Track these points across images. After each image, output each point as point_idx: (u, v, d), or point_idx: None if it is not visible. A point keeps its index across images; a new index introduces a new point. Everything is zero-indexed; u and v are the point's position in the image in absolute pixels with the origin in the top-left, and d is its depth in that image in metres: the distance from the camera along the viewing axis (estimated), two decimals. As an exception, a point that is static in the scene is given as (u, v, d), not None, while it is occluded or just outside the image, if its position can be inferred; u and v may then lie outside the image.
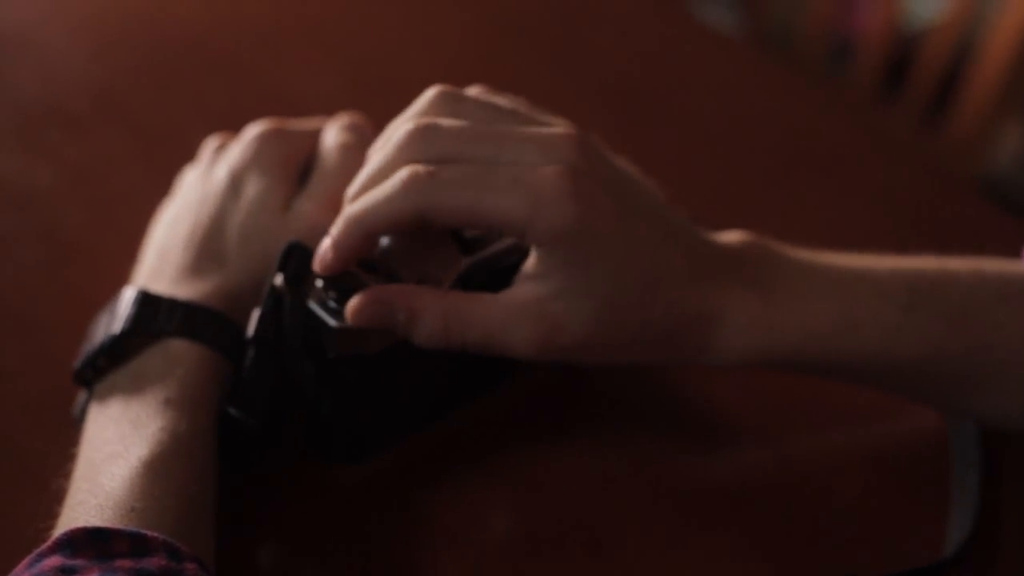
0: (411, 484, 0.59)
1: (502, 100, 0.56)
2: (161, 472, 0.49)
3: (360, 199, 0.52)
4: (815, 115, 0.91)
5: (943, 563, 0.57)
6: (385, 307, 0.52)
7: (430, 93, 0.55)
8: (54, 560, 0.43)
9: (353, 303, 0.52)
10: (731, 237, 0.59)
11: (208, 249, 0.59)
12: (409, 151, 0.52)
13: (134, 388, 0.53)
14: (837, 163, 0.86)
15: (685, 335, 0.56)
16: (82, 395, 0.56)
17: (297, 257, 0.54)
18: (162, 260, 0.60)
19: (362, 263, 0.54)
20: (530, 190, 0.51)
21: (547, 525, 0.58)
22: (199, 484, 0.51)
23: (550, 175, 0.51)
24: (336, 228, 0.52)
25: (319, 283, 0.54)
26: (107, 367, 0.55)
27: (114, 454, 0.50)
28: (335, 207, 0.59)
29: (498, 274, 0.56)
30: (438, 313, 0.52)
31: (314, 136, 0.64)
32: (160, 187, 0.67)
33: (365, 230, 0.52)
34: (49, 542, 0.45)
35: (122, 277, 0.62)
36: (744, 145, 0.87)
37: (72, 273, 0.68)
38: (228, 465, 0.56)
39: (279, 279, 0.54)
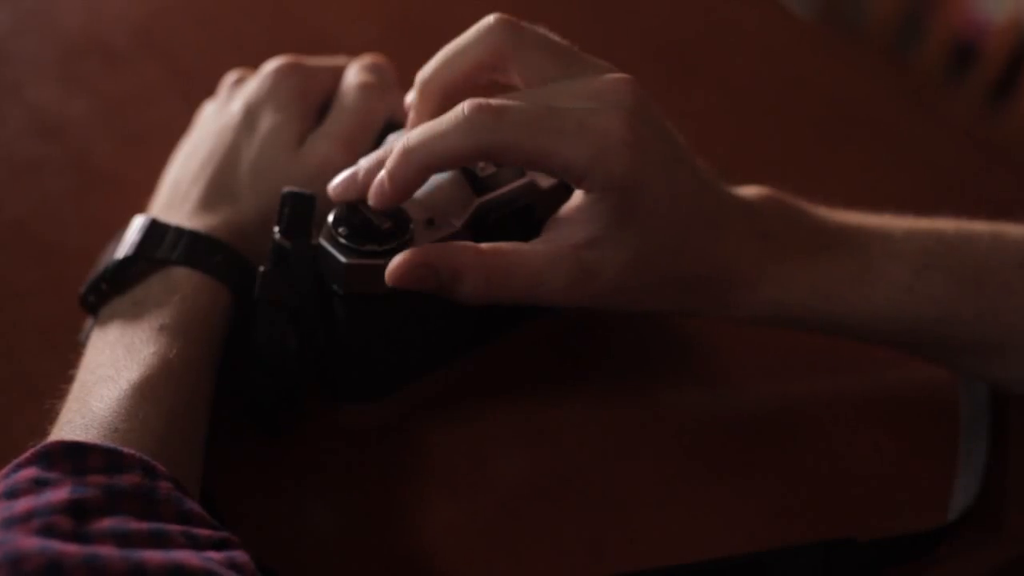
0: (417, 427, 0.59)
1: (555, 36, 0.55)
2: (148, 395, 0.49)
3: (418, 130, 0.50)
4: (872, 89, 0.89)
5: (945, 528, 0.57)
6: (428, 269, 0.51)
7: (488, 21, 0.53)
8: (30, 471, 0.44)
9: (394, 265, 0.51)
10: (750, 191, 0.59)
11: (220, 183, 0.59)
12: (476, 134, 0.50)
13: (133, 314, 0.53)
14: (892, 139, 0.84)
15: (704, 286, 0.56)
16: (90, 320, 0.57)
17: (292, 204, 0.53)
18: (175, 192, 0.60)
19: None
20: (595, 136, 0.50)
21: (553, 473, 0.58)
22: (186, 410, 0.51)
23: (615, 121, 0.50)
24: (392, 160, 0.51)
25: (329, 219, 0.54)
26: (110, 292, 0.55)
27: (105, 377, 0.50)
28: (350, 146, 0.59)
29: (510, 216, 0.56)
30: (480, 271, 0.51)
31: (334, 73, 0.64)
32: (191, 122, 0.67)
33: (423, 164, 0.50)
34: (27, 453, 0.45)
35: (145, 207, 0.63)
36: (795, 115, 0.85)
37: (97, 202, 0.69)
38: (257, 428, 0.56)
39: (276, 232, 0.54)
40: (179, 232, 0.55)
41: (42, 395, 0.53)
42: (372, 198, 0.52)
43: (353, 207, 0.53)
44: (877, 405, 0.63)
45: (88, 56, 0.79)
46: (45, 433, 0.50)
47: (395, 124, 0.61)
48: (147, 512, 0.43)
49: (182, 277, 0.54)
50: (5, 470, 0.45)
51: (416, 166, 0.50)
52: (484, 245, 0.52)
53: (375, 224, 0.53)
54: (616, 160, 0.50)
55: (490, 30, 0.53)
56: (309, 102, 0.62)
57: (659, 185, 0.52)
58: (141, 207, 0.63)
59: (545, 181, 0.57)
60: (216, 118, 0.62)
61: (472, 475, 0.58)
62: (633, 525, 0.57)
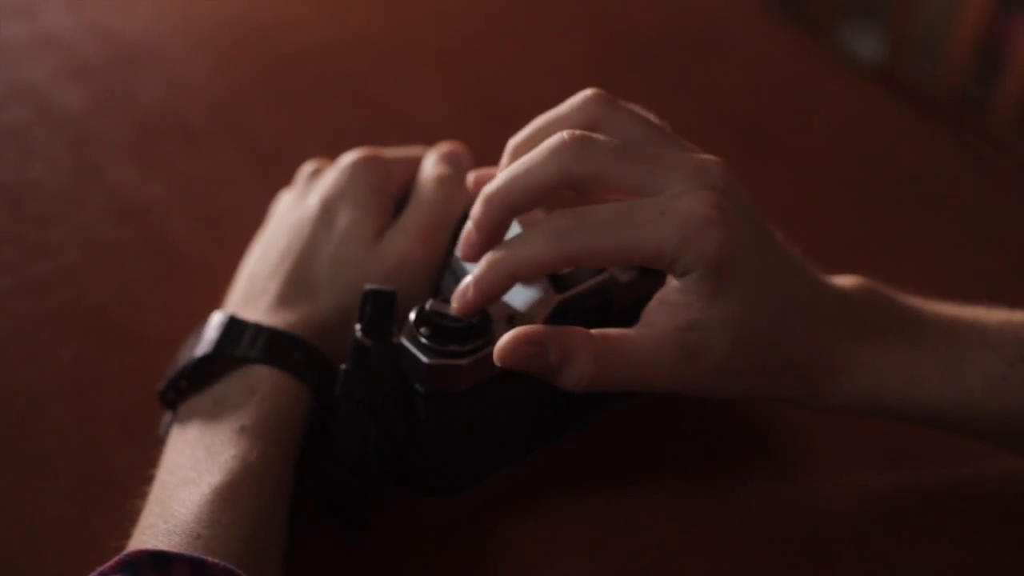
0: (494, 519, 0.59)
1: (651, 115, 0.55)
2: (229, 500, 0.50)
3: (503, 245, 0.51)
4: (946, 161, 0.88)
5: None
6: (538, 348, 0.50)
7: (586, 93, 0.54)
8: (114, 580, 0.44)
9: (504, 343, 0.50)
10: (845, 280, 0.59)
11: (298, 279, 0.59)
12: (561, 158, 0.50)
13: (213, 413, 0.54)
14: (965, 212, 0.83)
15: (798, 373, 0.56)
16: (168, 415, 0.57)
17: (373, 302, 0.54)
18: (252, 286, 0.60)
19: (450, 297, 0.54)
20: (680, 219, 0.49)
21: (627, 568, 0.57)
22: (268, 513, 0.51)
23: (700, 202, 0.50)
24: (480, 269, 0.51)
25: (411, 318, 0.54)
26: (189, 390, 0.56)
27: (187, 480, 0.51)
28: (428, 241, 0.60)
29: (589, 311, 0.56)
30: (590, 354, 0.51)
31: (411, 164, 0.64)
32: (269, 205, 0.68)
33: (509, 273, 0.51)
34: (112, 562, 0.45)
35: (224, 293, 0.63)
36: (868, 187, 0.84)
37: (175, 287, 0.69)
38: (337, 523, 0.56)
39: (358, 330, 0.54)
40: (258, 329, 0.56)
41: (123, 488, 0.54)
42: (455, 302, 0.52)
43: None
44: (959, 498, 0.62)
45: (167, 136, 0.80)
46: (126, 532, 0.51)
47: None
48: (230, 623, 0.44)
49: (262, 376, 0.55)
50: (90, 577, 0.45)
51: (503, 275, 0.50)
52: (593, 330, 0.52)
53: (456, 324, 0.53)
54: (704, 239, 0.49)
55: (587, 100, 0.54)
56: (386, 196, 0.62)
57: (751, 264, 0.52)
58: (218, 292, 0.63)
59: (624, 275, 0.57)
60: (293, 211, 0.63)
61: (545, 568, 0.57)
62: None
